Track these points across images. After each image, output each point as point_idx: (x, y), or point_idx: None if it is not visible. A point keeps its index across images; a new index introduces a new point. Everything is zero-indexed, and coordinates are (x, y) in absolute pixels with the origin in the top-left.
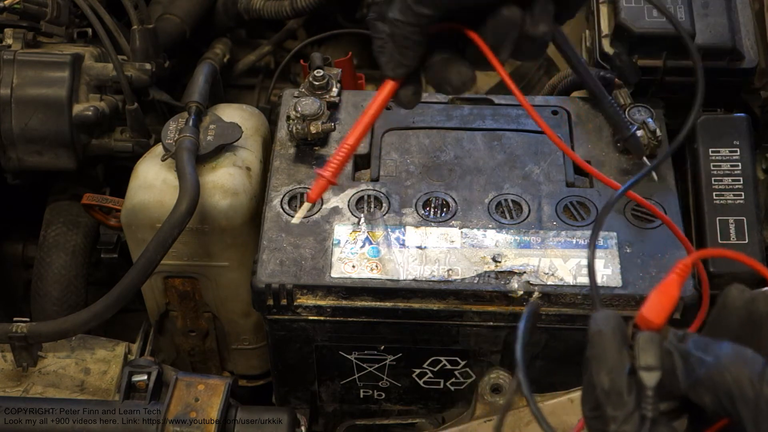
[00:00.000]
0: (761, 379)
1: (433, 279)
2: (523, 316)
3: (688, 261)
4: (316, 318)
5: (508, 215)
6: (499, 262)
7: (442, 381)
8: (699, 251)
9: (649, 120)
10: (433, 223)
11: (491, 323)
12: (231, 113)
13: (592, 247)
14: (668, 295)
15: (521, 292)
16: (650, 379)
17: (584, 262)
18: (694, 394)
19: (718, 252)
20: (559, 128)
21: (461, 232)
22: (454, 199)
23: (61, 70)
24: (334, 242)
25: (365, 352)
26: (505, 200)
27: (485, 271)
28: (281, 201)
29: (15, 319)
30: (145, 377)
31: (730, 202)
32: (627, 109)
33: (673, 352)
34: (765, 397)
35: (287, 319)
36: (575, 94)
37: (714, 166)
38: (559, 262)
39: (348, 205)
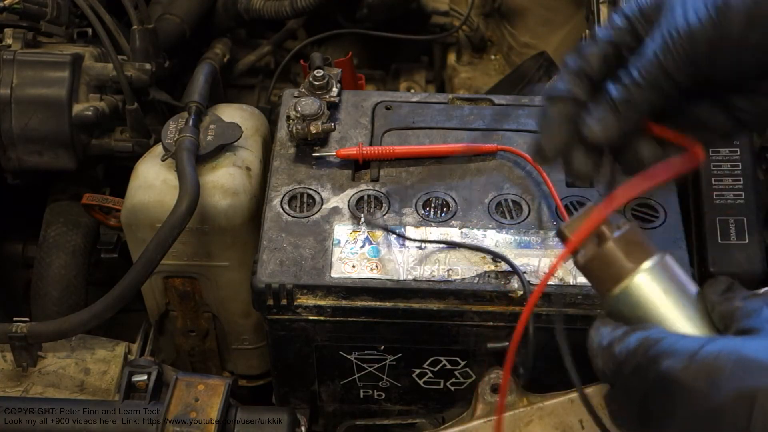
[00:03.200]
0: None
1: (433, 279)
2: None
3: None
4: (316, 318)
5: (508, 215)
6: (499, 262)
7: (442, 381)
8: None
9: None
10: (433, 223)
11: (491, 323)
12: (231, 113)
13: None
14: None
15: (521, 292)
16: None
17: None
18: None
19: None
20: None
21: (461, 232)
22: (454, 199)
23: (61, 70)
24: (334, 242)
25: (365, 352)
26: (505, 200)
27: (485, 271)
28: (281, 201)
29: (15, 319)
30: (145, 377)
31: (730, 202)
32: None
33: None
34: None
35: (287, 319)
36: None
37: (714, 166)
38: None
39: (348, 205)
